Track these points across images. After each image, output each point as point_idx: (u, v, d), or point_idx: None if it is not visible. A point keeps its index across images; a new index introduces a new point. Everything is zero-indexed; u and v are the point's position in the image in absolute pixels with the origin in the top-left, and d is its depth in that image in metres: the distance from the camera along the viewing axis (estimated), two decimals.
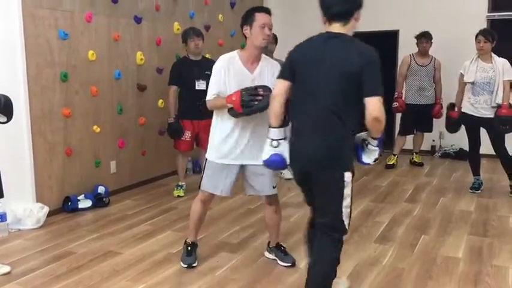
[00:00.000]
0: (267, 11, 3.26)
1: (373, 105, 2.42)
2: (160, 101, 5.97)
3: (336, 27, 2.59)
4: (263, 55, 3.35)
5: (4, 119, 3.37)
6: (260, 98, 3.05)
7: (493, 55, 5.18)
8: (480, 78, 5.13)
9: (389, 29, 7.49)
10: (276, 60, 6.00)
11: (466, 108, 5.27)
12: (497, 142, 5.19)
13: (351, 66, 2.47)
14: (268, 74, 3.29)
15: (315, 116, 2.56)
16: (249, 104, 3.05)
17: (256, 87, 3.09)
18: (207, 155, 3.43)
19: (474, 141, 5.36)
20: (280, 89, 2.70)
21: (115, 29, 5.35)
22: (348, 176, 2.58)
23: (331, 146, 2.56)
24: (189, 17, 6.45)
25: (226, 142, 3.31)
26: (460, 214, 4.74)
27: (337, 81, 2.50)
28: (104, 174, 5.34)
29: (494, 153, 5.33)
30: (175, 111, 5.26)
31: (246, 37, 3.27)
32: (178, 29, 6.11)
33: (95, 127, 5.16)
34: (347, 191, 2.59)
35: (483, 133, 5.29)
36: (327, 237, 2.71)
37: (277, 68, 3.34)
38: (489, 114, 5.11)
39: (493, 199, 5.22)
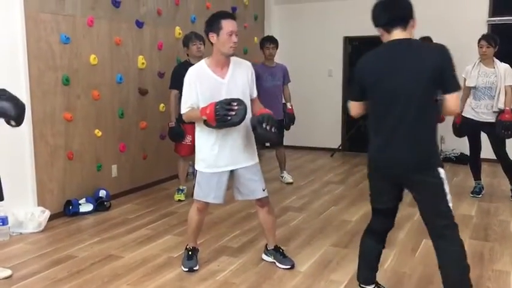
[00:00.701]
0: (233, 18, 3.26)
1: (454, 101, 2.54)
2: (162, 105, 5.98)
3: (398, 34, 2.57)
4: (233, 57, 3.33)
5: (14, 123, 3.38)
6: (234, 112, 3.04)
7: (496, 60, 5.18)
8: (482, 83, 5.13)
9: None
10: (278, 64, 6.09)
11: (467, 112, 5.27)
12: (498, 147, 5.19)
13: (429, 68, 2.49)
14: (241, 76, 3.29)
15: (402, 122, 2.53)
16: (224, 118, 3.04)
17: (230, 101, 3.07)
18: (196, 167, 3.43)
19: (475, 145, 5.36)
20: (356, 110, 2.79)
21: (117, 33, 5.37)
22: (442, 171, 2.59)
23: (423, 149, 2.58)
24: (191, 21, 6.47)
25: (212, 150, 3.32)
26: (461, 218, 4.73)
27: (419, 85, 2.50)
28: (105, 178, 5.34)
29: (495, 158, 5.33)
30: (176, 115, 5.26)
31: (211, 43, 3.26)
32: (179, 33, 6.13)
33: (96, 131, 5.17)
34: (446, 187, 2.59)
35: (484, 137, 5.29)
36: (448, 237, 2.62)
37: (250, 69, 3.39)
38: (490, 118, 5.11)
39: (494, 203, 5.22)
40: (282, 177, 6.23)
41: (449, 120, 6.91)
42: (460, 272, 2.63)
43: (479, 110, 5.17)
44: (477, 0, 7.20)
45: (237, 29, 3.24)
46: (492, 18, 7.12)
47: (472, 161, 5.50)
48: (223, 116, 3.04)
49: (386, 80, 2.55)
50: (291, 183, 6.17)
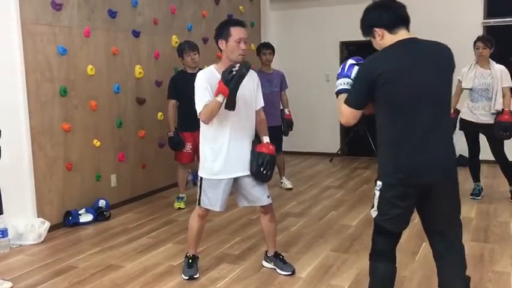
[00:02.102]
0: (243, 25, 3.30)
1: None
2: (160, 113, 5.99)
3: (404, 34, 2.43)
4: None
5: None
6: (235, 71, 3.07)
7: (491, 61, 5.20)
8: (478, 85, 5.15)
9: None
10: (275, 70, 6.11)
11: (465, 114, 5.28)
12: (497, 148, 5.20)
13: (446, 66, 2.45)
14: (248, 84, 3.31)
15: (433, 125, 2.37)
16: (229, 78, 3.06)
17: (230, 68, 3.11)
18: (200, 174, 3.44)
19: (474, 147, 5.37)
20: (352, 119, 2.46)
21: (113, 43, 5.39)
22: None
23: (452, 151, 2.49)
24: (187, 30, 6.50)
25: (217, 158, 3.33)
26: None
27: (443, 85, 2.44)
28: (104, 188, 5.35)
29: (494, 159, 5.34)
30: (175, 125, 5.28)
31: (221, 49, 3.31)
32: (176, 42, 6.15)
33: (94, 141, 5.18)
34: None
35: (482, 139, 5.30)
36: (458, 248, 2.56)
37: (256, 78, 3.45)
38: (488, 120, 5.12)
39: (493, 205, 5.22)
40: (282, 183, 6.24)
41: None
42: (466, 283, 2.57)
43: (477, 112, 5.19)
44: (472, 2, 7.24)
45: (246, 37, 3.27)
46: (487, 20, 7.16)
47: (471, 162, 5.51)
48: (229, 78, 3.05)
49: (408, 79, 2.34)
50: (291, 189, 6.18)
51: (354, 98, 2.44)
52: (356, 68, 2.52)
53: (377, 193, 2.50)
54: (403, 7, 2.47)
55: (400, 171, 2.38)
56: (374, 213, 2.56)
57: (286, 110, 6.12)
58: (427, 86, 2.36)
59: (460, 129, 5.39)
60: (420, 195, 2.45)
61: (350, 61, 2.57)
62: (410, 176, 2.38)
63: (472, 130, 5.29)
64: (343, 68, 2.57)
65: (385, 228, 2.54)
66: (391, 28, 2.42)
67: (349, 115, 2.45)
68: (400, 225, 2.54)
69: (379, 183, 2.48)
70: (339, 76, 2.57)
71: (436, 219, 2.54)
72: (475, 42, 5.25)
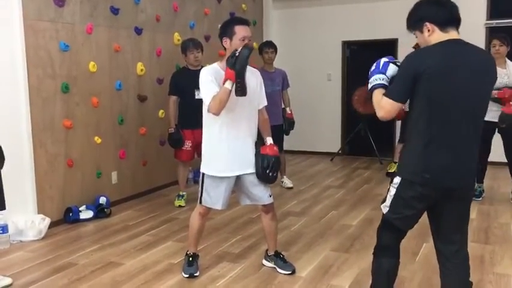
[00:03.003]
0: (247, 23, 3.30)
1: None
2: (161, 111, 5.99)
3: (454, 34, 2.40)
4: None
5: None
6: (238, 53, 3.06)
7: (507, 60, 5.13)
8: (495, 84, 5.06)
9: (388, 37, 7.52)
10: (277, 69, 6.10)
11: None
12: (511, 147, 5.14)
13: (489, 80, 2.45)
14: (251, 82, 3.30)
15: (468, 132, 2.38)
16: (233, 61, 3.05)
17: (233, 53, 3.10)
18: (203, 170, 3.43)
19: (486, 148, 5.27)
20: (392, 113, 2.41)
21: (115, 40, 5.39)
22: None
23: (475, 160, 2.49)
24: (189, 27, 6.49)
25: (220, 155, 3.33)
26: None
27: (485, 94, 2.45)
28: (105, 185, 5.35)
29: (496, 161, 5.30)
30: (176, 121, 5.28)
31: (225, 48, 3.30)
32: (178, 39, 6.15)
33: (96, 138, 5.18)
34: None
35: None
36: (465, 254, 2.57)
37: (259, 77, 3.45)
38: None
39: (494, 206, 5.22)
40: (282, 182, 6.23)
41: None
42: None
43: (492, 109, 5.09)
44: (475, 3, 7.22)
45: (250, 35, 3.27)
46: (490, 21, 7.14)
47: (480, 163, 5.42)
48: (234, 62, 3.04)
49: (452, 80, 2.31)
50: (291, 188, 6.17)
51: (396, 90, 2.39)
52: (391, 65, 2.51)
53: (393, 190, 2.48)
54: (457, 7, 2.44)
55: (427, 171, 2.36)
56: (385, 208, 2.54)
57: (287, 109, 6.11)
58: (468, 93, 2.34)
59: None
60: (439, 199, 2.45)
61: (384, 59, 2.57)
62: (436, 178, 2.36)
63: (487, 131, 5.19)
64: (377, 65, 2.55)
65: (394, 225, 2.55)
66: (443, 26, 2.39)
67: (389, 108, 2.39)
68: (411, 224, 2.56)
69: (397, 179, 2.46)
70: (374, 73, 2.54)
71: (450, 223, 2.53)
72: (490, 41, 5.17)
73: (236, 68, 3.04)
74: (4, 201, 3.52)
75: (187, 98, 5.18)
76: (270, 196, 3.48)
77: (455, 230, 2.54)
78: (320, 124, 8.38)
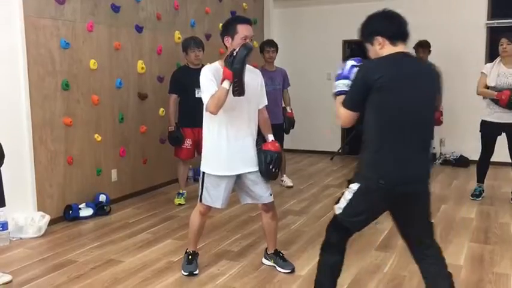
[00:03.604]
0: (249, 22, 3.29)
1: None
2: (161, 109, 5.99)
3: (402, 47, 2.51)
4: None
5: None
6: (235, 53, 3.04)
7: None
8: (500, 84, 5.04)
9: None
10: (278, 68, 6.09)
11: (487, 115, 5.19)
12: None
13: (437, 85, 2.54)
14: (252, 82, 3.30)
15: (419, 134, 2.47)
16: (231, 60, 3.03)
17: (231, 52, 3.09)
18: (203, 169, 3.43)
19: (489, 149, 5.28)
20: (350, 121, 2.48)
21: (116, 38, 5.38)
22: None
23: (429, 164, 2.61)
24: (190, 25, 6.49)
25: (221, 154, 3.33)
26: (461, 221, 4.74)
27: (431, 98, 2.52)
28: (105, 183, 5.35)
29: (496, 161, 5.29)
30: (176, 120, 5.28)
31: (226, 46, 3.29)
32: (179, 37, 6.15)
33: (96, 136, 5.18)
34: None
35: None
36: (436, 248, 2.64)
37: (260, 77, 3.45)
38: (510, 119, 5.03)
39: (494, 206, 5.22)
40: (282, 181, 6.23)
41: (448, 122, 6.94)
42: (450, 281, 2.63)
43: (499, 110, 5.09)
44: (475, 3, 7.21)
45: (252, 35, 3.27)
46: (491, 21, 7.13)
47: (482, 163, 5.42)
48: (232, 60, 3.02)
49: (402, 91, 2.40)
50: (291, 186, 6.17)
51: (350, 100, 2.46)
52: (351, 66, 2.55)
53: (348, 195, 2.54)
54: (406, 23, 2.55)
55: (382, 177, 2.43)
56: (338, 210, 2.60)
57: (288, 108, 6.11)
58: (416, 102, 2.44)
59: (480, 130, 5.30)
60: (395, 204, 2.54)
61: (350, 62, 2.58)
62: (390, 184, 2.43)
63: (492, 131, 5.19)
64: (343, 69, 2.58)
65: (346, 227, 2.63)
66: (393, 40, 2.49)
67: (346, 117, 2.48)
68: (362, 227, 2.65)
69: (355, 186, 2.52)
70: (339, 77, 2.57)
71: (413, 226, 2.61)
72: (493, 40, 5.11)
73: (234, 68, 3.02)
74: (4, 198, 3.52)
75: (187, 96, 5.18)
76: (271, 195, 3.48)
77: (422, 230, 2.61)
78: (320, 123, 8.37)
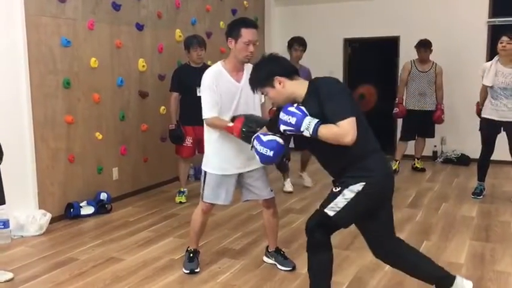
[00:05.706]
0: (255, 27, 3.27)
1: None
2: (162, 107, 5.99)
3: (302, 81, 2.76)
4: (246, 64, 3.34)
5: None
6: (254, 146, 2.93)
7: None
8: (498, 83, 5.04)
9: (390, 35, 7.50)
10: (302, 67, 5.90)
11: (487, 113, 5.19)
12: None
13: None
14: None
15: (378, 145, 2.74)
16: (248, 135, 3.02)
17: (255, 123, 3.09)
18: (204, 168, 3.44)
19: (489, 147, 5.27)
20: (355, 129, 2.50)
21: (117, 36, 5.38)
22: None
23: None
24: (191, 24, 6.49)
25: (222, 153, 3.34)
26: (462, 219, 4.74)
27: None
28: (106, 181, 5.35)
29: (497, 159, 5.29)
30: (177, 118, 5.29)
31: (229, 47, 3.29)
32: (180, 36, 6.14)
33: (97, 134, 5.18)
34: None
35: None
36: (398, 243, 2.90)
37: None
38: (510, 117, 5.03)
39: (494, 204, 5.22)
40: (301, 177, 6.19)
41: (449, 120, 6.93)
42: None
43: (499, 109, 5.09)
44: (477, 1, 7.19)
45: (256, 39, 3.25)
46: (492, 19, 7.12)
47: (483, 162, 5.42)
48: (247, 135, 3.02)
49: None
50: (291, 192, 6.10)
51: (352, 107, 2.52)
52: (296, 108, 2.52)
53: (350, 194, 2.61)
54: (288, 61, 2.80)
55: (384, 176, 2.68)
56: (332, 211, 2.66)
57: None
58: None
59: (479, 129, 5.31)
60: (383, 201, 2.73)
61: (292, 107, 2.55)
62: (388, 182, 2.72)
63: (492, 129, 5.18)
64: (295, 114, 2.51)
65: (338, 226, 2.75)
66: (290, 75, 2.65)
67: (352, 126, 2.46)
68: (351, 224, 2.80)
69: (359, 186, 2.58)
70: (300, 119, 2.49)
71: (385, 224, 2.80)
72: (495, 38, 5.08)
73: (242, 136, 3.09)
74: (4, 195, 3.52)
75: (188, 94, 5.18)
76: (271, 191, 3.50)
77: (389, 229, 2.81)
78: None
